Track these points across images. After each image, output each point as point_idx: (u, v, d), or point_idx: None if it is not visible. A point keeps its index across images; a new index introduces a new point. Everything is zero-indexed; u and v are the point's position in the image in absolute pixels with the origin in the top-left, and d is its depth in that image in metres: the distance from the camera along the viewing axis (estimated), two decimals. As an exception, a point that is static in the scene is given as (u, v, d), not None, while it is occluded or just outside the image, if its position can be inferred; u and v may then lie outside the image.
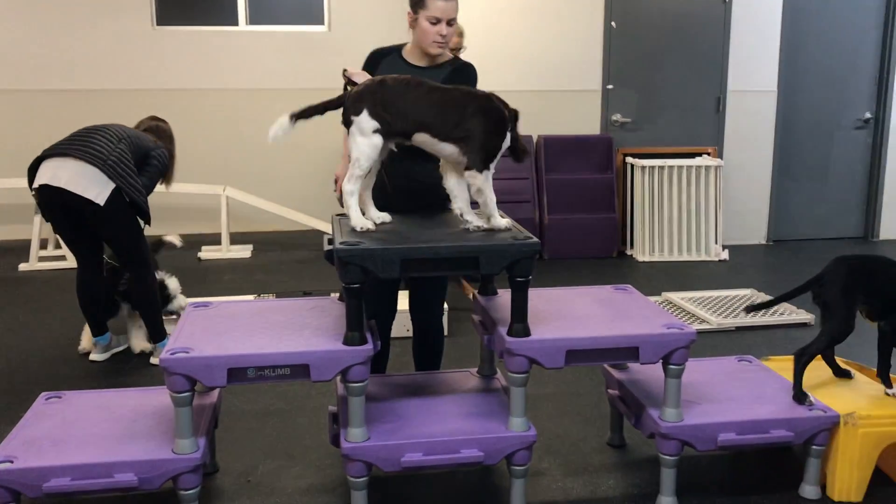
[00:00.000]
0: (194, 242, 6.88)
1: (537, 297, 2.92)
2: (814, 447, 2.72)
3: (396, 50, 3.05)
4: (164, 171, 4.15)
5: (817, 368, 3.16)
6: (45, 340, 4.49)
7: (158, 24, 7.16)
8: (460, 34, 4.95)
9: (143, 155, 4.02)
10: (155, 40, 7.12)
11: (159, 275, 4.31)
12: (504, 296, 2.92)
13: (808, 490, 2.77)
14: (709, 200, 6.51)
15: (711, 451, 2.94)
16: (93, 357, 4.19)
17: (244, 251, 6.59)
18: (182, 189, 6.62)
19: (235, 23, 7.30)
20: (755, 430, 2.67)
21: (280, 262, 6.36)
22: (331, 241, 2.67)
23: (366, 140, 2.50)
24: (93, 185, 3.75)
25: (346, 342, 2.43)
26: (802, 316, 4.81)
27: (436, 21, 2.90)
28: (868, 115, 7.07)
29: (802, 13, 6.80)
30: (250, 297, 4.78)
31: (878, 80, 7.02)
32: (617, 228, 6.54)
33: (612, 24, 6.57)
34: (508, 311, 2.69)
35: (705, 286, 5.65)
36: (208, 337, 2.51)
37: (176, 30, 7.16)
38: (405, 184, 2.95)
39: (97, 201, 3.75)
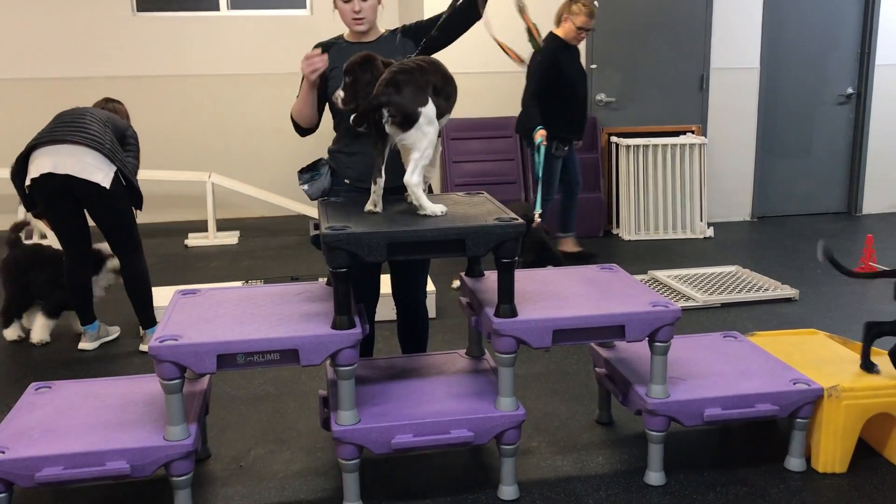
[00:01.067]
0: (181, 230, 6.87)
1: (524, 278, 2.94)
2: (798, 420, 2.76)
3: (338, 39, 3.03)
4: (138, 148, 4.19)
5: (803, 343, 3.21)
6: (33, 331, 4.48)
7: (139, 10, 7.09)
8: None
9: (121, 136, 4.04)
10: (136, 27, 7.06)
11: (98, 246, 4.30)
12: (491, 277, 2.94)
13: (794, 462, 2.81)
14: (693, 178, 6.54)
15: (698, 427, 2.99)
16: (82, 346, 4.19)
17: (231, 237, 6.58)
18: (167, 176, 6.62)
19: (217, 8, 7.24)
20: (740, 405, 2.71)
21: (267, 247, 6.36)
22: (317, 227, 2.68)
23: (433, 128, 2.53)
24: (97, 169, 3.77)
25: (335, 326, 2.44)
26: (787, 291, 4.86)
27: (346, 0, 2.91)
28: (850, 90, 7.11)
29: (784, -11, 6.81)
30: (238, 284, 4.78)
31: (860, 56, 7.06)
32: (603, 208, 6.56)
33: (595, 3, 6.55)
34: (495, 292, 2.72)
35: (691, 264, 5.69)
36: (197, 324, 2.52)
37: (156, 16, 7.10)
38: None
39: (104, 184, 3.77)
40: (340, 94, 2.66)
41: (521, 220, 2.49)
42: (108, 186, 3.78)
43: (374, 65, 2.63)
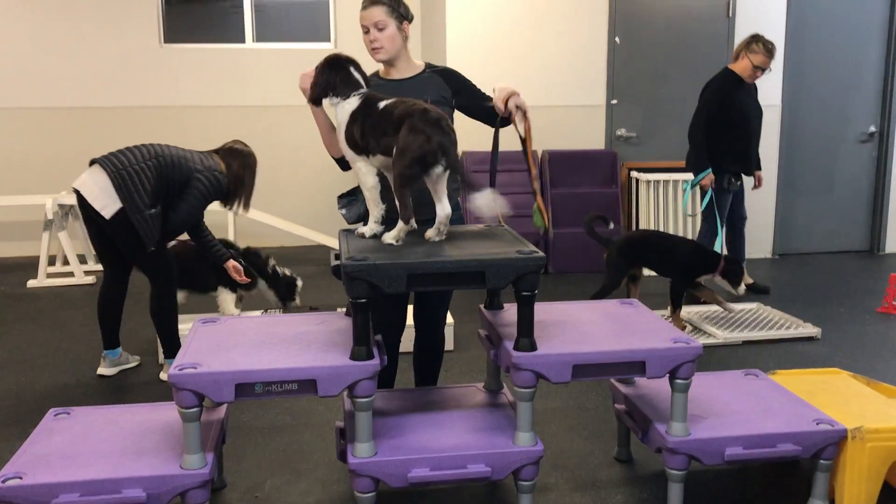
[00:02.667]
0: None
1: (543, 312, 2.93)
2: (821, 461, 2.71)
3: (373, 76, 3.05)
4: (211, 195, 4.05)
5: (826, 383, 3.16)
6: (54, 357, 4.51)
7: (166, 41, 7.23)
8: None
9: (182, 179, 3.93)
10: (162, 58, 7.19)
11: (287, 272, 4.87)
12: (510, 310, 2.93)
13: (817, 504, 2.76)
14: (714, 214, 6.50)
15: (718, 466, 2.94)
16: (100, 372, 4.21)
17: (251, 267, 6.60)
18: (189, 205, 6.66)
19: (242, 40, 7.37)
20: (762, 444, 2.66)
21: (286, 277, 6.37)
22: (337, 257, 2.69)
23: None
24: (103, 196, 3.78)
25: (353, 357, 2.44)
26: (809, 330, 4.80)
27: (366, 30, 2.96)
28: (873, 128, 7.08)
29: (806, 28, 6.83)
30: (257, 313, 4.80)
31: (883, 94, 7.04)
32: (622, 243, 6.54)
33: (616, 39, 6.61)
34: (515, 325, 2.71)
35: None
36: (216, 352, 2.52)
37: (183, 47, 7.23)
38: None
39: (103, 213, 3.78)
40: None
41: (541, 254, 2.48)
42: (107, 217, 3.78)
43: (338, 65, 2.66)
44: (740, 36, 6.66)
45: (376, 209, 2.69)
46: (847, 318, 5.19)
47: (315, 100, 2.72)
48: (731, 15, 6.67)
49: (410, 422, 2.74)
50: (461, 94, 3.11)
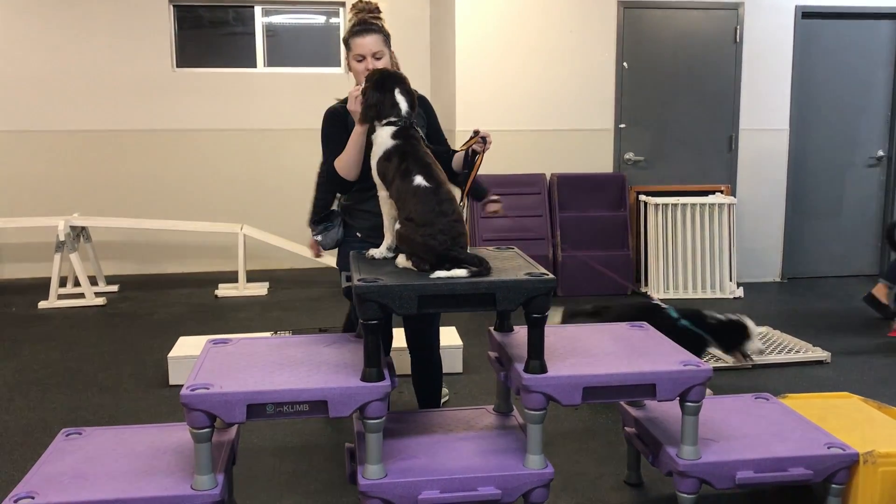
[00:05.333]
0: (211, 280, 6.95)
1: (553, 334, 2.93)
2: (833, 485, 2.70)
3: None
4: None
5: (837, 407, 3.15)
6: (63, 377, 4.53)
7: (178, 66, 7.31)
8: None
9: None
10: (175, 82, 7.26)
11: (735, 316, 3.97)
12: (520, 332, 2.94)
13: (829, 529, 2.74)
14: (722, 238, 6.52)
15: (729, 490, 2.93)
16: None
17: (260, 289, 6.64)
18: (199, 227, 6.72)
19: (254, 65, 7.45)
20: (773, 468, 2.66)
21: (296, 299, 6.40)
22: (349, 278, 2.71)
23: None
24: None
25: (364, 378, 2.45)
26: (819, 354, 4.79)
27: (360, 58, 2.98)
28: (881, 152, 7.09)
29: (813, 52, 6.87)
30: (267, 334, 4.81)
31: (890, 118, 7.06)
32: (631, 266, 6.55)
33: (625, 64, 6.66)
34: (525, 347, 2.72)
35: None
36: (228, 373, 2.53)
37: (195, 72, 7.31)
38: None
39: None
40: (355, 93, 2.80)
41: (551, 276, 2.50)
42: None
43: (387, 86, 2.70)
44: (748, 60, 6.73)
45: (391, 237, 2.72)
46: (857, 342, 5.18)
47: (365, 122, 2.76)
48: (738, 40, 6.72)
49: (420, 444, 2.74)
50: (427, 125, 3.17)
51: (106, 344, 5.16)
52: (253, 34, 7.44)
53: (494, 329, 3.00)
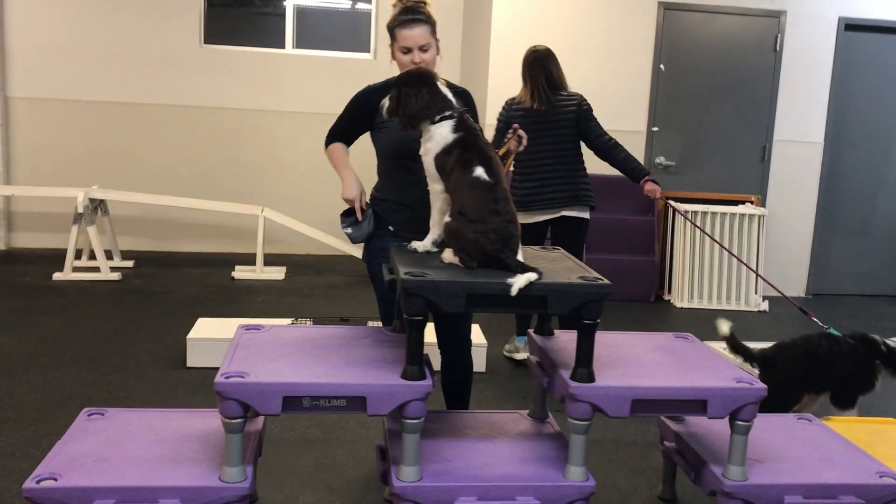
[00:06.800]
0: (228, 261, 6.85)
1: (595, 340, 2.81)
2: (883, 516, 2.59)
3: (388, 87, 2.86)
4: None
5: (883, 433, 3.04)
6: (79, 354, 4.43)
7: (206, 42, 7.20)
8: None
9: None
10: (202, 58, 7.16)
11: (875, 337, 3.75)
12: (562, 337, 2.84)
13: (874, 561, 2.63)
14: (750, 249, 6.40)
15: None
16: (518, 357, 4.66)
17: (278, 273, 6.55)
18: (220, 207, 6.62)
19: (282, 45, 7.33)
20: (823, 495, 2.54)
21: (314, 285, 6.31)
22: (391, 271, 2.60)
23: None
24: None
25: (405, 376, 2.35)
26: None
27: (406, 51, 2.87)
28: (915, 172, 6.97)
29: (853, 66, 6.73)
30: (287, 321, 4.71)
31: (927, 138, 6.93)
32: (656, 272, 6.43)
33: (661, 66, 6.53)
34: (569, 353, 2.62)
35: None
36: (262, 362, 2.43)
37: (223, 49, 7.20)
38: None
39: None
40: (386, 101, 2.63)
41: (606, 282, 2.39)
42: None
43: (427, 82, 2.58)
44: (787, 70, 6.59)
45: (438, 231, 2.62)
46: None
47: (415, 127, 2.60)
48: (778, 49, 6.58)
49: (453, 447, 2.63)
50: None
51: (121, 321, 5.06)
52: (283, 15, 7.33)
53: (535, 332, 2.89)
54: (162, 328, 4.94)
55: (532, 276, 2.32)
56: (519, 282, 2.29)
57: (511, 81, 6.37)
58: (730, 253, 5.53)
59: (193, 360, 4.25)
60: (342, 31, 7.49)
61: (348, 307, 5.63)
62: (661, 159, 6.65)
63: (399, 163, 2.96)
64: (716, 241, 5.35)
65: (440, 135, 2.55)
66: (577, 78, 6.45)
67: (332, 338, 2.73)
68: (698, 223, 6.33)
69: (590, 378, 2.41)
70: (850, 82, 6.76)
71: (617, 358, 2.67)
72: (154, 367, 4.26)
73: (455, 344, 3.14)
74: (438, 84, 2.60)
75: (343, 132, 3.08)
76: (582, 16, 6.39)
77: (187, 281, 6.22)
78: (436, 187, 2.60)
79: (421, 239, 2.72)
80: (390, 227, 3.01)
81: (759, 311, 6.30)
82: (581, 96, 4.47)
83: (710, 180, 6.71)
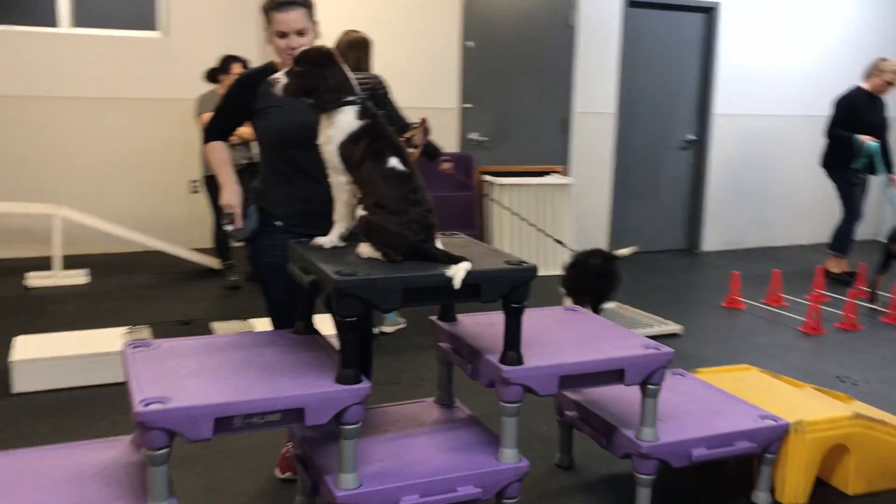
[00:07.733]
0: (16, 268, 6.10)
1: (486, 320, 2.83)
2: (767, 455, 2.87)
3: (268, 70, 2.78)
4: None
5: (744, 380, 3.34)
6: None
7: (-36, 20, 6.30)
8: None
9: None
10: (-38, 39, 6.25)
11: None
12: (465, 321, 2.83)
13: (761, 497, 2.91)
14: (564, 217, 6.75)
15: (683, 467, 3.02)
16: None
17: (79, 277, 5.92)
18: (5, 209, 5.88)
19: (54, 24, 6.59)
20: (722, 444, 2.77)
21: (125, 287, 5.79)
22: (306, 271, 2.44)
23: None
24: None
25: (340, 381, 2.23)
26: (672, 327, 5.10)
27: (282, 35, 2.73)
28: (691, 136, 7.68)
29: (639, 41, 7.26)
30: (123, 329, 4.30)
31: (700, 105, 7.65)
32: (477, 245, 6.59)
33: (469, 43, 6.65)
34: (486, 337, 2.63)
35: (558, 301, 5.82)
36: (177, 383, 2.19)
37: (-13, 28, 6.33)
38: None
39: None
40: (282, 78, 2.43)
41: (532, 264, 2.41)
42: None
43: (333, 62, 2.45)
44: (581, 45, 6.98)
45: (344, 225, 2.50)
46: (696, 313, 5.58)
47: (328, 109, 2.43)
48: (572, 24, 6.94)
49: (380, 446, 2.55)
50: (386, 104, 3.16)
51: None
52: (53, -11, 6.58)
53: (439, 319, 2.85)
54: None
55: (467, 265, 2.28)
56: (459, 272, 2.24)
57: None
58: (527, 222, 5.83)
59: (22, 384, 3.75)
60: (125, 8, 6.85)
61: (174, 308, 5.23)
62: (474, 135, 6.80)
63: (283, 151, 2.78)
64: (512, 212, 5.58)
65: (344, 121, 2.42)
66: (390, 58, 6.42)
67: (236, 347, 2.53)
68: (514, 196, 6.56)
69: (519, 360, 2.43)
70: (634, 57, 7.29)
71: (526, 337, 2.70)
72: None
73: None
74: (343, 66, 2.46)
75: (222, 125, 2.84)
76: (391, -7, 6.34)
77: (-30, 294, 5.46)
78: (339, 178, 2.47)
79: (314, 234, 2.58)
80: (277, 223, 2.81)
81: (573, 275, 6.67)
82: (377, 79, 3.92)
83: (521, 153, 6.98)
